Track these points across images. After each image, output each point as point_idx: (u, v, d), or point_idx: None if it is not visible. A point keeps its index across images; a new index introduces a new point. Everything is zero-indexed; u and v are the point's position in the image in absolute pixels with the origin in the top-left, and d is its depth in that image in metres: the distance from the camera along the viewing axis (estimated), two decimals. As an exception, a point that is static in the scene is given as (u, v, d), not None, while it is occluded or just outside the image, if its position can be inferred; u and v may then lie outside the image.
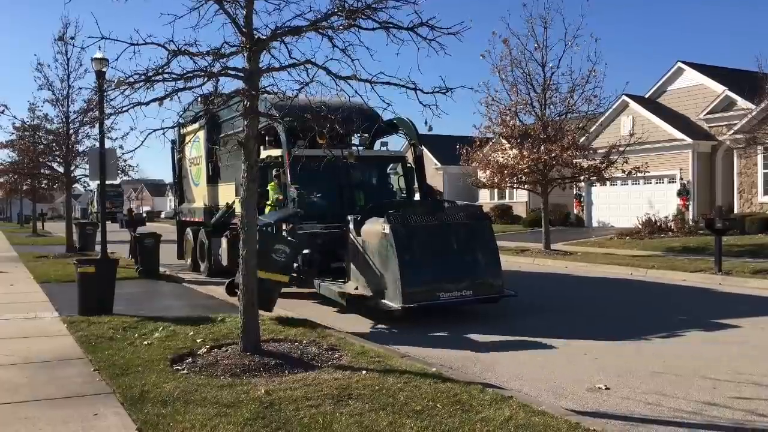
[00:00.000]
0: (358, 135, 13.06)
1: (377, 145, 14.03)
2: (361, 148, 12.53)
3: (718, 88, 26.27)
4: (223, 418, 4.89)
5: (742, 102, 23.88)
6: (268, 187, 11.80)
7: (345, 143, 11.84)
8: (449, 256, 9.31)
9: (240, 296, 6.80)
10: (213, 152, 14.70)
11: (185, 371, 6.33)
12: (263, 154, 11.77)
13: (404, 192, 12.97)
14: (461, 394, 5.44)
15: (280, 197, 11.68)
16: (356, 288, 9.74)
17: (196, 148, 16.49)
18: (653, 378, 6.48)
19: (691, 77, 27.84)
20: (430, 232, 9.37)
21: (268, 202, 11.69)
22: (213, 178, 15.39)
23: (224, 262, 13.84)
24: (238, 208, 12.44)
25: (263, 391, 5.51)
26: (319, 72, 6.70)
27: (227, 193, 14.33)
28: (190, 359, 6.77)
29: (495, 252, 9.69)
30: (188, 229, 17.14)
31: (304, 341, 7.46)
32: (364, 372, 6.13)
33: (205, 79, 6.65)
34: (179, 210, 18.49)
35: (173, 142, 17.55)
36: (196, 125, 15.13)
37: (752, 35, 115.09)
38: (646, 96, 29.23)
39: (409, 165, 13.18)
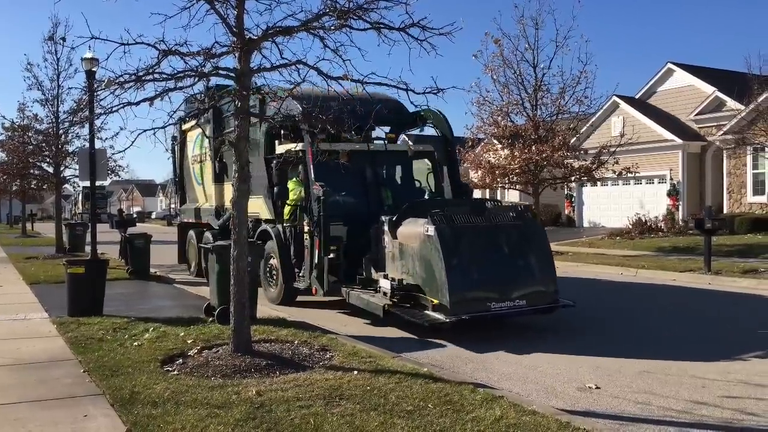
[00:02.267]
0: (386, 130, 12.13)
1: (400, 141, 13.12)
2: (379, 141, 11.74)
3: (708, 89, 26.44)
4: (214, 419, 4.87)
5: (731, 103, 24.05)
6: (289, 184, 10.87)
7: (369, 137, 11.26)
8: (500, 261, 8.35)
9: (231, 296, 6.77)
10: (219, 149, 13.55)
11: (176, 372, 6.31)
12: (280, 148, 11.14)
13: (434, 190, 11.84)
14: (452, 394, 5.45)
15: (302, 195, 10.53)
16: (395, 297, 8.54)
17: (199, 145, 15.36)
18: (642, 377, 6.51)
19: (681, 78, 28.01)
20: (479, 235, 8.46)
21: (289, 201, 10.69)
22: (219, 177, 14.06)
23: None
24: (255, 207, 11.37)
25: (254, 392, 5.50)
26: (310, 72, 6.70)
27: None
28: (180, 360, 6.75)
29: (549, 256, 8.80)
30: (191, 232, 15.86)
31: (296, 342, 7.45)
32: (355, 372, 6.13)
33: (196, 79, 6.63)
34: (180, 211, 17.28)
35: (174, 138, 16.24)
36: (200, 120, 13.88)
37: (742, 36, 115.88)
38: (637, 97, 29.39)
39: (437, 160, 12.13)
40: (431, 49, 6.48)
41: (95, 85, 12.45)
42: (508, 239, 8.55)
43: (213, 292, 9.00)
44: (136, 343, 7.48)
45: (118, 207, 51.07)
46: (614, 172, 20.50)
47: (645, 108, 28.42)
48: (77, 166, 18.93)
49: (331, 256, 9.52)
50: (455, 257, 8.04)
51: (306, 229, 10.13)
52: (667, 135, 26.63)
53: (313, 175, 9.99)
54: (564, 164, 20.30)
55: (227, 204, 13.32)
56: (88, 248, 17.54)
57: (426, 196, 11.53)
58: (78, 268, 9.67)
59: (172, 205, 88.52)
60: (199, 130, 14.75)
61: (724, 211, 24.68)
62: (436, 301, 7.97)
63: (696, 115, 26.75)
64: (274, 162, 10.77)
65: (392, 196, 10.97)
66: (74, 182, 24.94)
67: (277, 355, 6.89)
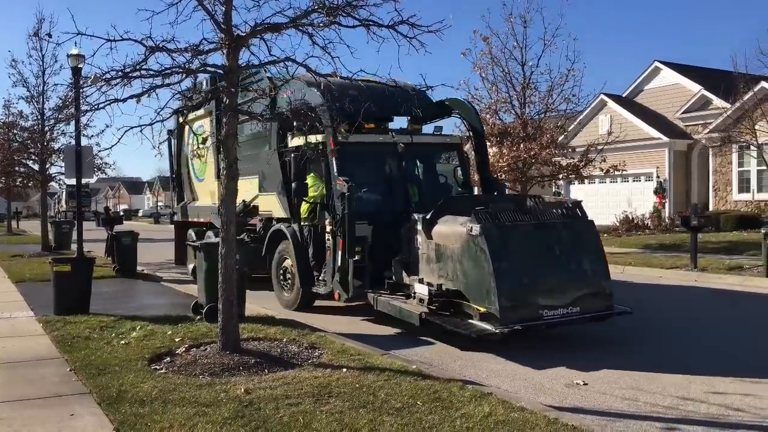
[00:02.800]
0: (408, 118, 11.15)
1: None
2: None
3: (694, 88, 26.64)
4: (202, 417, 4.85)
5: (717, 101, 24.24)
6: (307, 180, 10.04)
7: (386, 129, 10.65)
8: (551, 264, 7.61)
9: (219, 294, 6.74)
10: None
11: (163, 371, 6.27)
12: (294, 142, 10.36)
13: (462, 186, 11.01)
14: (441, 391, 5.46)
15: (322, 191, 9.81)
16: (433, 304, 7.77)
17: (199, 139, 14.28)
18: (628, 374, 6.55)
19: (668, 76, 28.20)
20: (528, 234, 7.69)
21: (308, 198, 9.87)
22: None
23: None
24: (267, 205, 11.24)
25: (242, 390, 5.48)
26: (299, 69, 6.69)
27: (243, 189, 12.62)
28: (168, 358, 6.71)
29: (603, 256, 8.04)
30: (191, 231, 14.69)
31: (284, 340, 7.44)
32: (344, 370, 6.12)
33: (184, 75, 6.60)
34: (177, 209, 16.26)
35: (170, 132, 15.39)
36: (200, 112, 13.26)
37: (728, 35, 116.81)
38: (624, 95, 29.55)
39: (465, 154, 11.52)
40: (420, 46, 6.49)
41: (81, 82, 12.35)
42: (559, 238, 7.78)
43: (201, 290, 8.97)
44: (123, 342, 7.43)
45: (104, 205, 50.72)
46: (602, 170, 20.58)
47: (632, 106, 28.59)
48: (63, 164, 18.76)
49: (356, 258, 8.72)
50: (504, 260, 7.26)
51: (328, 228, 9.30)
52: (654, 133, 26.81)
53: (336, 170, 9.22)
54: (552, 162, 20.34)
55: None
56: (74, 246, 17.40)
57: (453, 193, 10.81)
58: (64, 266, 9.60)
59: (160, 203, 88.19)
60: (198, 123, 14.12)
61: (710, 209, 24.90)
62: (482, 309, 7.17)
63: (682, 113, 26.94)
64: (291, 156, 10.17)
65: (418, 193, 10.20)
66: (60, 180, 24.75)
67: (265, 353, 6.87)
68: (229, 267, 6.69)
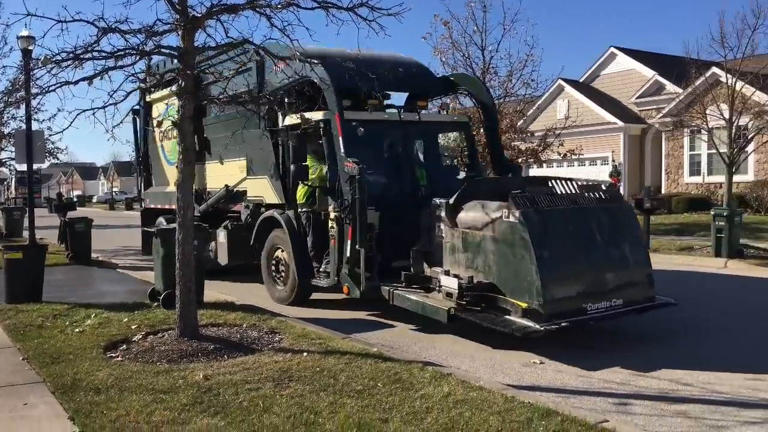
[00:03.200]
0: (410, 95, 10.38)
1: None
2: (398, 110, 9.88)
3: (649, 73, 27.21)
4: (160, 404, 4.80)
5: (670, 86, 24.78)
6: (308, 162, 9.08)
7: (382, 105, 9.70)
8: (593, 252, 7.00)
9: (177, 280, 6.65)
10: (199, 123, 11.39)
11: (119, 358, 6.18)
12: (287, 120, 9.30)
13: (470, 168, 10.30)
14: (402, 372, 5.50)
15: (323, 173, 8.92)
16: (464, 299, 6.93)
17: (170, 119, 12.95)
18: (584, 351, 6.71)
19: (624, 62, 28.72)
20: (568, 220, 7.01)
21: (308, 182, 8.91)
22: (200, 155, 11.71)
23: (223, 259, 10.85)
24: (256, 190, 10.29)
25: (201, 376, 5.43)
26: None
27: (228, 173, 11.13)
28: (124, 346, 6.60)
29: (642, 243, 7.46)
30: (161, 219, 13.09)
31: (244, 325, 7.39)
32: (305, 354, 6.12)
33: (137, 57, 6.44)
34: (145, 195, 14.72)
35: (135, 112, 13.97)
36: (171, 89, 11.79)
37: (682, 20, 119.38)
38: (581, 80, 30.00)
39: (473, 134, 10.72)
40: (380, 29, 6.44)
41: (31, 64, 11.92)
42: (599, 224, 7.14)
43: (158, 276, 8.83)
44: (77, 330, 7.28)
45: (57, 191, 49.37)
46: (559, 154, 20.90)
47: (589, 91, 29.06)
48: (13, 149, 18.16)
49: (367, 247, 7.82)
50: (547, 248, 6.58)
51: (332, 215, 8.42)
52: (610, 118, 27.33)
53: (343, 150, 8.26)
54: (511, 146, 20.57)
55: (211, 186, 11.75)
56: (26, 233, 16.92)
57: (460, 176, 10.00)
58: (15, 253, 9.35)
59: (115, 189, 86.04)
60: (170, 101, 12.59)
61: (663, 192, 25.58)
62: (524, 305, 6.47)
63: (637, 98, 27.50)
64: (289, 136, 9.20)
65: (426, 176, 9.46)
66: (11, 165, 23.99)
67: (225, 338, 6.82)
68: (186, 253, 6.60)
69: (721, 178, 21.42)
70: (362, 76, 7.89)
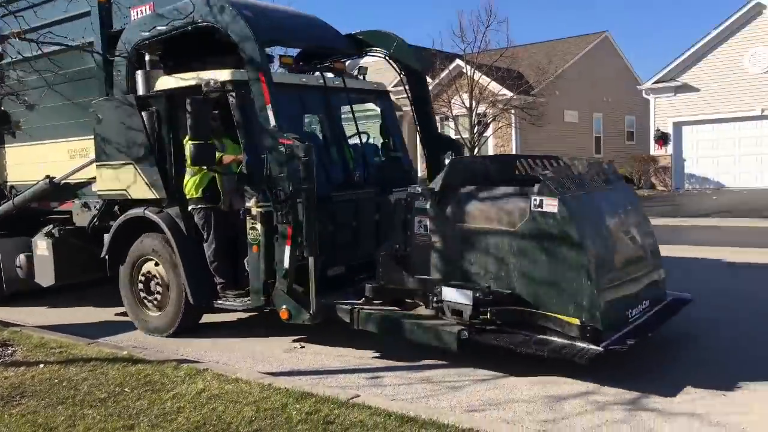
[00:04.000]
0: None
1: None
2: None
3: (402, 64, 29.01)
4: None
5: (421, 77, 26.67)
6: (223, 140, 6.81)
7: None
8: (624, 246, 5.78)
9: None
10: None
11: None
12: (162, 83, 6.86)
13: (392, 146, 8.29)
14: (153, 374, 5.23)
15: (240, 158, 6.44)
16: (478, 317, 5.25)
17: None
18: (345, 332, 6.92)
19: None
20: (600, 209, 5.71)
21: (216, 167, 6.49)
22: None
23: (46, 279, 8.09)
24: (112, 181, 7.30)
25: None
26: None
27: (51, 158, 8.30)
28: None
29: (653, 235, 6.29)
30: None
31: (-33, 341, 6.45)
32: (41, 366, 5.53)
33: None
34: None
35: None
36: None
37: (431, 11, 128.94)
38: (342, 68, 31.03)
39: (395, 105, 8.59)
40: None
41: None
42: (625, 212, 6.04)
43: None
44: None
45: None
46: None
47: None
48: None
49: (314, 256, 5.74)
50: (594, 246, 5.20)
51: (254, 211, 6.17)
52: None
53: (273, 122, 5.95)
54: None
55: (12, 178, 9.01)
56: None
57: (382, 155, 8.16)
58: None
59: None
60: None
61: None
62: (576, 321, 5.02)
63: (392, 86, 29.19)
64: (170, 103, 6.83)
65: (353, 157, 7.35)
66: None
67: (-60, 358, 5.88)
68: None
69: (466, 161, 23.74)
70: (276, 26, 6.67)
